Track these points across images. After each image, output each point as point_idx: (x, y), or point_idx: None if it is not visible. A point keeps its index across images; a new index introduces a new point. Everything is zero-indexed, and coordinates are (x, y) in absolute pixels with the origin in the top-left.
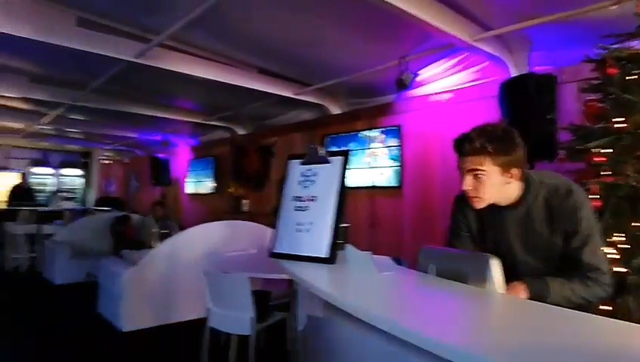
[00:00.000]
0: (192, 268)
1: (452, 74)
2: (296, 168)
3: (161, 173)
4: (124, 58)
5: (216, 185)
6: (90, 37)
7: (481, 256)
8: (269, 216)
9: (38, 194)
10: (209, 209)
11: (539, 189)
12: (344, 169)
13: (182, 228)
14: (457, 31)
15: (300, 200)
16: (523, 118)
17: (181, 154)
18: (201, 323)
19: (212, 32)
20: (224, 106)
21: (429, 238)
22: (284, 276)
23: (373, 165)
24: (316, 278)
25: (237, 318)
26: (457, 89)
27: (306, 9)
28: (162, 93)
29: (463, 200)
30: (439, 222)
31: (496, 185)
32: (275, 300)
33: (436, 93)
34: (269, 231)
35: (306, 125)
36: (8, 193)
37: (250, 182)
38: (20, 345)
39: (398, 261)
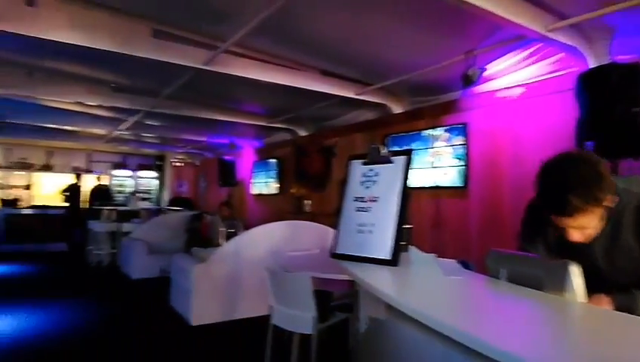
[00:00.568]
0: (256, 266)
1: (523, 67)
2: (357, 168)
3: (227, 174)
4: (193, 65)
5: (279, 185)
6: (164, 47)
7: (560, 262)
8: (331, 217)
9: (118, 194)
10: (272, 209)
11: (628, 199)
12: (407, 168)
13: (247, 227)
14: (529, 21)
15: (362, 201)
16: (604, 112)
17: (246, 156)
18: (264, 320)
19: (275, 37)
20: (287, 109)
21: (497, 241)
22: (346, 277)
23: (436, 165)
24: (379, 280)
25: (299, 317)
26: (529, 83)
27: (369, 8)
28: (229, 98)
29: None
30: (508, 224)
31: (598, 219)
32: (336, 300)
33: (506, 88)
34: (330, 231)
35: (367, 125)
36: (89, 193)
37: (312, 182)
38: (101, 334)
39: (465, 264)
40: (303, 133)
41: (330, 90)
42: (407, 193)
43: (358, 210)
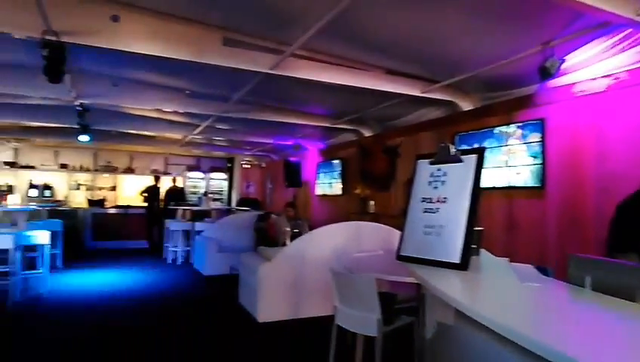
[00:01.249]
0: (320, 267)
1: (608, 57)
2: (424, 168)
3: (293, 175)
4: (261, 70)
5: (343, 186)
6: (234, 54)
7: None
8: (395, 218)
9: (191, 195)
10: (337, 210)
11: None
12: (479, 168)
13: (312, 228)
14: (617, 6)
15: (429, 202)
16: None
17: (311, 158)
18: (329, 320)
19: (340, 38)
20: (351, 109)
21: (577, 246)
22: (411, 279)
23: (510, 163)
24: (448, 285)
25: (363, 318)
26: (616, 73)
27: (436, 3)
28: (294, 100)
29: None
30: (591, 227)
31: None
32: (401, 303)
33: (588, 80)
34: (394, 232)
35: (433, 124)
36: (164, 194)
37: (376, 183)
38: (175, 327)
39: (542, 270)
40: (367, 133)
41: (395, 89)
42: (478, 193)
43: (426, 211)
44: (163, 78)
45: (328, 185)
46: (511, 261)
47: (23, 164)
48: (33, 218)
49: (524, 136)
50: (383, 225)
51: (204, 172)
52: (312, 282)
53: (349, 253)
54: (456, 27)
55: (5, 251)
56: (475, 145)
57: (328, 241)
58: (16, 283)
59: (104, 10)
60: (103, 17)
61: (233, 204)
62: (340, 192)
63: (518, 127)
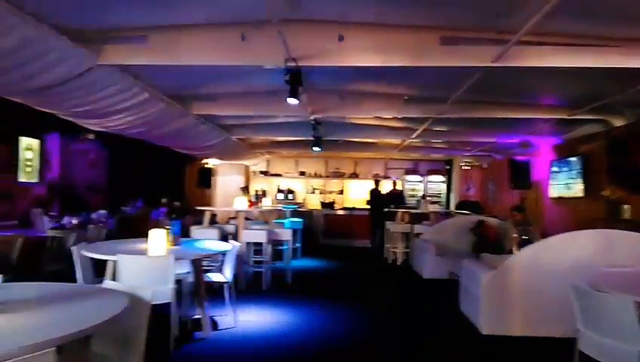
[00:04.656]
0: (557, 280)
1: None
2: None
3: (519, 176)
4: (482, 65)
5: (584, 187)
6: (452, 52)
7: None
8: None
9: (410, 198)
10: (576, 215)
11: None
12: None
13: (544, 235)
14: None
15: None
16: None
17: (542, 155)
18: (566, 343)
19: (574, 14)
20: (594, 95)
21: None
22: None
23: None
24: None
25: (617, 349)
26: None
27: None
28: (520, 92)
29: None
30: None
31: None
32: None
33: None
34: None
35: None
36: (385, 197)
37: (632, 183)
38: (390, 329)
39: None
40: (618, 122)
41: None
42: None
43: None
44: (381, 86)
45: (565, 186)
46: None
47: (273, 172)
48: (280, 217)
49: None
50: None
51: (421, 175)
52: (546, 297)
53: (595, 268)
54: None
55: (260, 244)
56: None
57: (567, 251)
58: (268, 271)
59: (331, 32)
60: (331, 39)
61: (452, 206)
62: (580, 194)
63: None
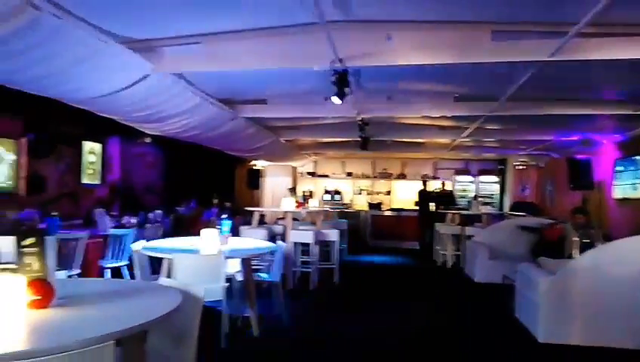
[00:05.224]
0: (624, 287)
1: None
2: None
3: (580, 175)
4: (537, 60)
5: None
6: (504, 47)
7: None
8: None
9: (460, 199)
10: None
11: None
12: None
13: (608, 238)
14: None
15: None
16: None
17: (605, 153)
18: (635, 356)
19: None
20: None
21: None
22: None
23: None
24: None
25: None
26: None
27: None
28: (580, 87)
29: None
30: None
31: None
32: None
33: None
34: None
35: None
36: (434, 198)
37: None
38: (441, 335)
39: None
40: None
41: None
42: None
43: None
44: (431, 84)
45: (631, 186)
46: None
47: (320, 173)
48: (327, 218)
49: None
50: None
51: (473, 175)
52: (611, 305)
53: None
54: None
55: (307, 245)
56: None
57: (636, 256)
58: (315, 271)
59: (379, 31)
60: (378, 39)
61: (505, 208)
62: None
63: None
